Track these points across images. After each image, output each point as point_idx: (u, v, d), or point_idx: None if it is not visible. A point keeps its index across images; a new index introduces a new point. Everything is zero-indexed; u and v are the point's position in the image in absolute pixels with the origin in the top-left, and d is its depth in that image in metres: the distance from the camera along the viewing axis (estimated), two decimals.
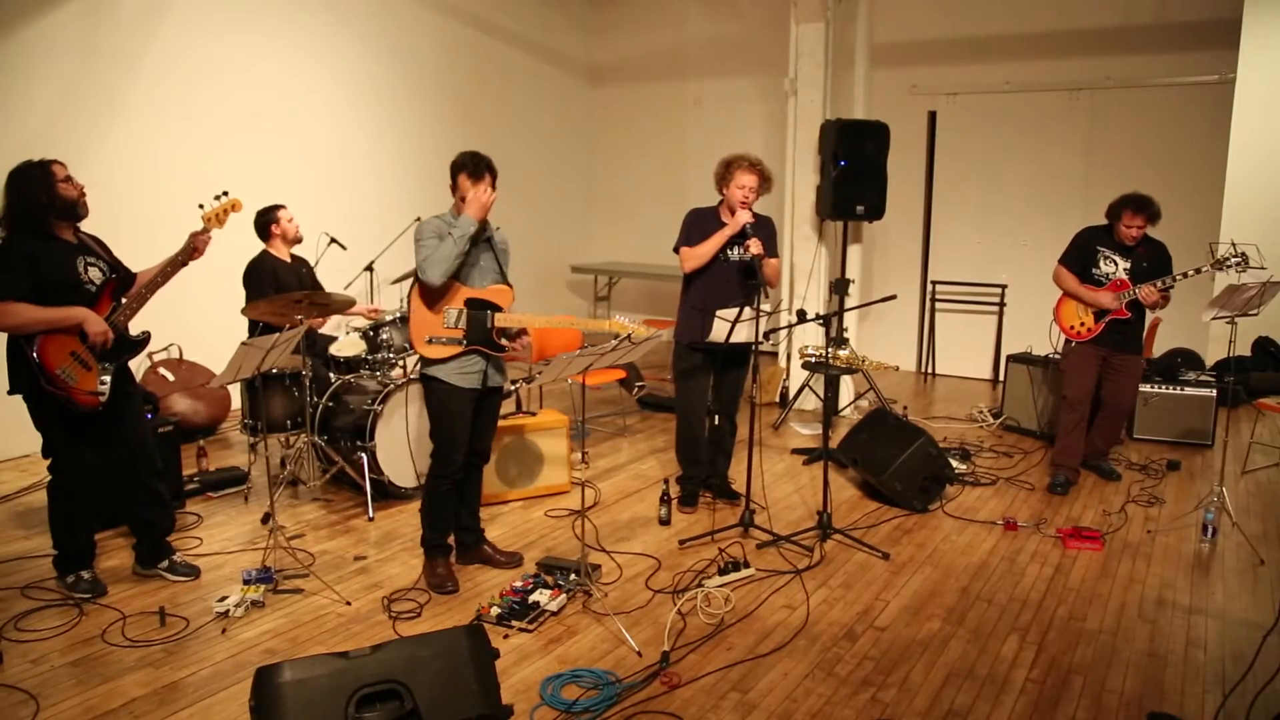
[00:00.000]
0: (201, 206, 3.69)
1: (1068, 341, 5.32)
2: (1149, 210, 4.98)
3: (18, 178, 3.48)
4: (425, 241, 3.66)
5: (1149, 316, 5.37)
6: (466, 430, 3.83)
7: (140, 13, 6.03)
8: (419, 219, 3.82)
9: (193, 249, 3.67)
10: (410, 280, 4.75)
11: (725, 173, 4.51)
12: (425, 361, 3.77)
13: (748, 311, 4.32)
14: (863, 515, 4.82)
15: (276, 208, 5.21)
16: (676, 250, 4.62)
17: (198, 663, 3.25)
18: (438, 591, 3.82)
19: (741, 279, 4.50)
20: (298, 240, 5.29)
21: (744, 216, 4.41)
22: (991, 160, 8.16)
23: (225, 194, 3.73)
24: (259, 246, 5.16)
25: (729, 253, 4.53)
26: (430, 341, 3.71)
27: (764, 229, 4.52)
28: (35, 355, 3.42)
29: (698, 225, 4.58)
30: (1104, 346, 5.16)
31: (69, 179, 3.55)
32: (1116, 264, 5.11)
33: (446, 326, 3.72)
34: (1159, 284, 4.97)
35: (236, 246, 5.03)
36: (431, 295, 3.71)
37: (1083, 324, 5.20)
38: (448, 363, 3.74)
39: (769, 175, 4.52)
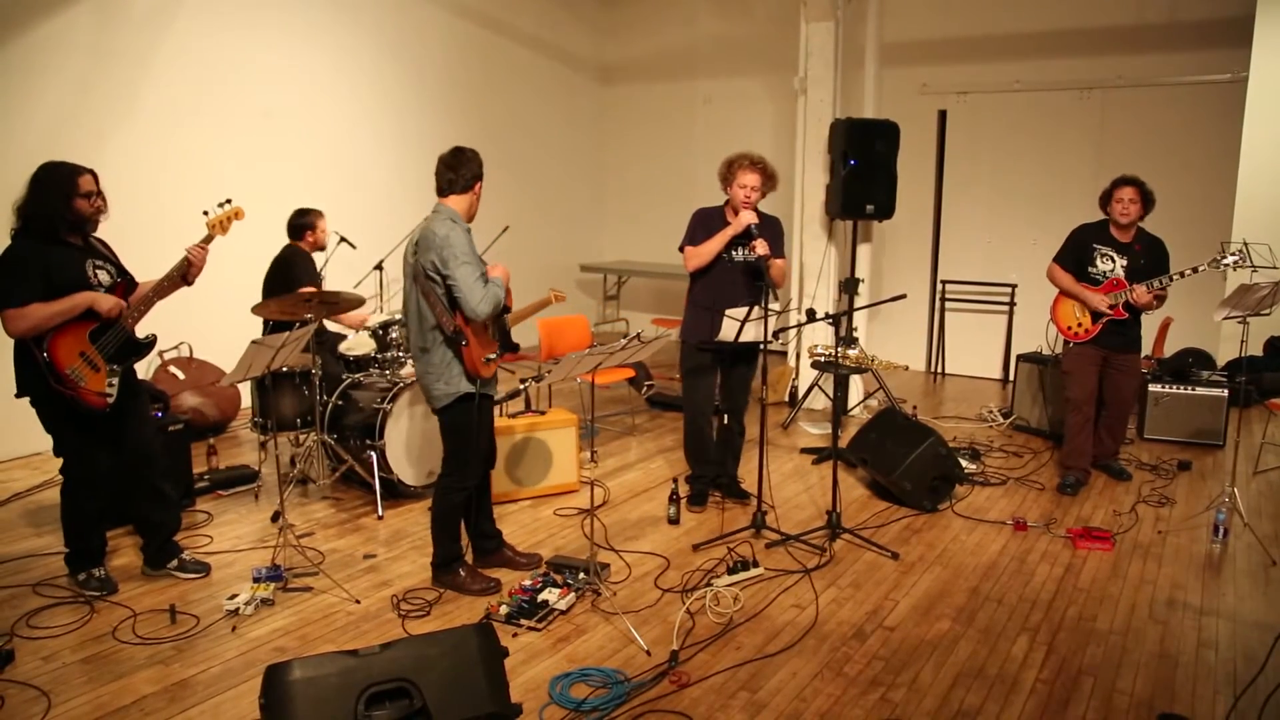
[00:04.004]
0: (206, 213, 3.70)
1: (1066, 343, 5.29)
2: (1137, 181, 4.96)
3: (43, 176, 3.47)
4: (466, 260, 3.47)
5: (1158, 314, 5.33)
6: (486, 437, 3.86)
7: (151, 12, 6.05)
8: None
9: (188, 264, 3.65)
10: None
11: (728, 172, 4.48)
12: (482, 382, 3.67)
13: (757, 310, 4.31)
14: (872, 515, 4.81)
15: (317, 213, 5.23)
16: (682, 249, 4.61)
17: (208, 660, 3.27)
18: (486, 595, 3.76)
19: (748, 279, 4.49)
20: (320, 248, 5.31)
21: (747, 216, 4.38)
22: (1002, 159, 8.12)
23: (229, 201, 3.74)
24: (268, 247, 5.17)
25: (733, 253, 4.50)
26: (487, 361, 3.67)
27: (770, 229, 4.50)
28: (46, 355, 3.44)
29: (703, 225, 4.56)
30: (1103, 347, 5.12)
31: (93, 194, 3.52)
32: (1114, 261, 5.07)
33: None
34: (1152, 285, 4.93)
35: (244, 246, 5.05)
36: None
37: (1080, 324, 5.16)
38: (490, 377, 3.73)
39: (773, 173, 4.48)
